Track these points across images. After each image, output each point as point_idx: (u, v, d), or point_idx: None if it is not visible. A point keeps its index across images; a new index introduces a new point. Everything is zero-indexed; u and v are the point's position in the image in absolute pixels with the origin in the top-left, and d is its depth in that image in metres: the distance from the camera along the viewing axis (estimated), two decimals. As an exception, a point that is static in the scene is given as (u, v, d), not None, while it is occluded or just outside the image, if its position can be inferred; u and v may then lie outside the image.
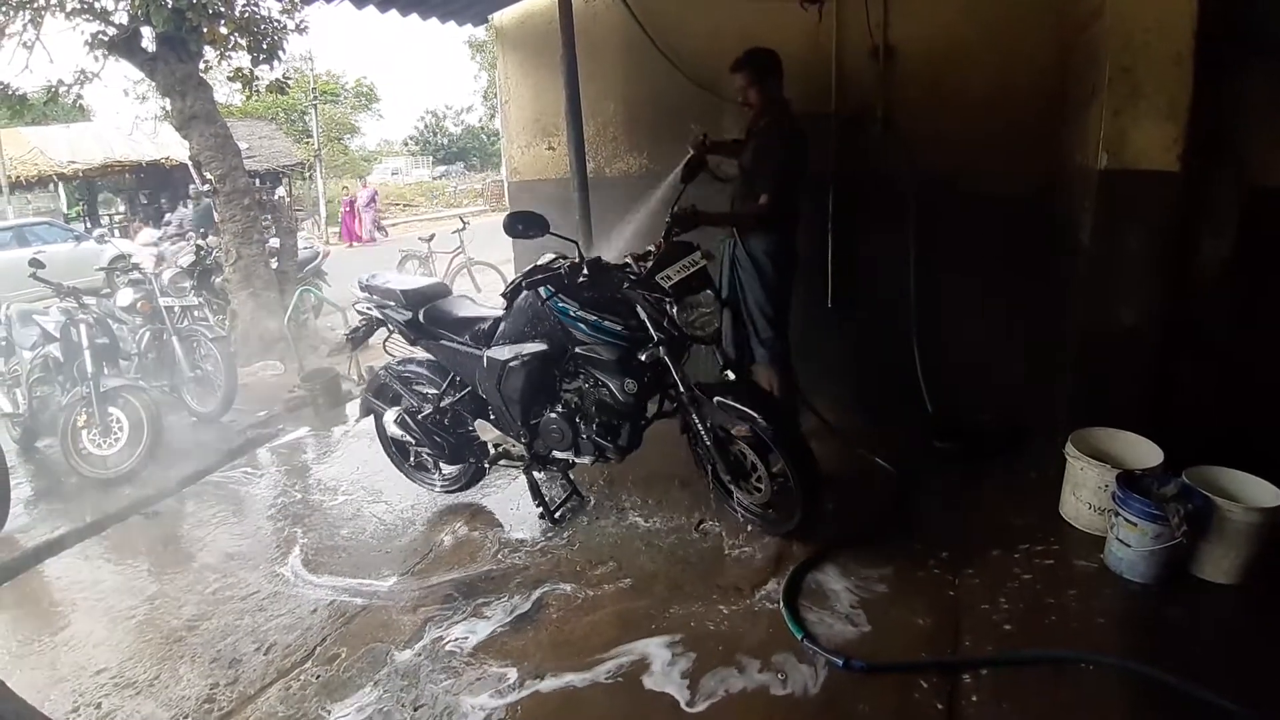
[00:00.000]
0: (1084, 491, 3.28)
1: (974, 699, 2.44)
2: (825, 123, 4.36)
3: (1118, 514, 2.97)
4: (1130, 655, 2.56)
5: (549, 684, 2.66)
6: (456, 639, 2.94)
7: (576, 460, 3.59)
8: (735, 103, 4.02)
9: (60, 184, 19.79)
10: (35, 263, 5.51)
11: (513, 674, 2.72)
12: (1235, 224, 3.23)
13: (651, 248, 3.38)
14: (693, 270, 3.23)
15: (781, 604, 2.94)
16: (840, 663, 2.61)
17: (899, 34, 4.13)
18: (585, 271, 3.23)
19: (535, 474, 3.78)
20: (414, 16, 5.30)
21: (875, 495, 3.74)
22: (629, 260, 3.38)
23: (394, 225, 24.23)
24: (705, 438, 3.32)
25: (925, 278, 4.29)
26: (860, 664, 2.60)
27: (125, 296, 5.95)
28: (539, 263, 3.42)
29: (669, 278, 3.16)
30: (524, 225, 3.22)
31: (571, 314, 3.28)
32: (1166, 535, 2.82)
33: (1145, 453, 3.25)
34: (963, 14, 4.01)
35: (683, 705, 2.52)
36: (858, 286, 4.52)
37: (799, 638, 2.76)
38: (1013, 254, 4.03)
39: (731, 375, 3.32)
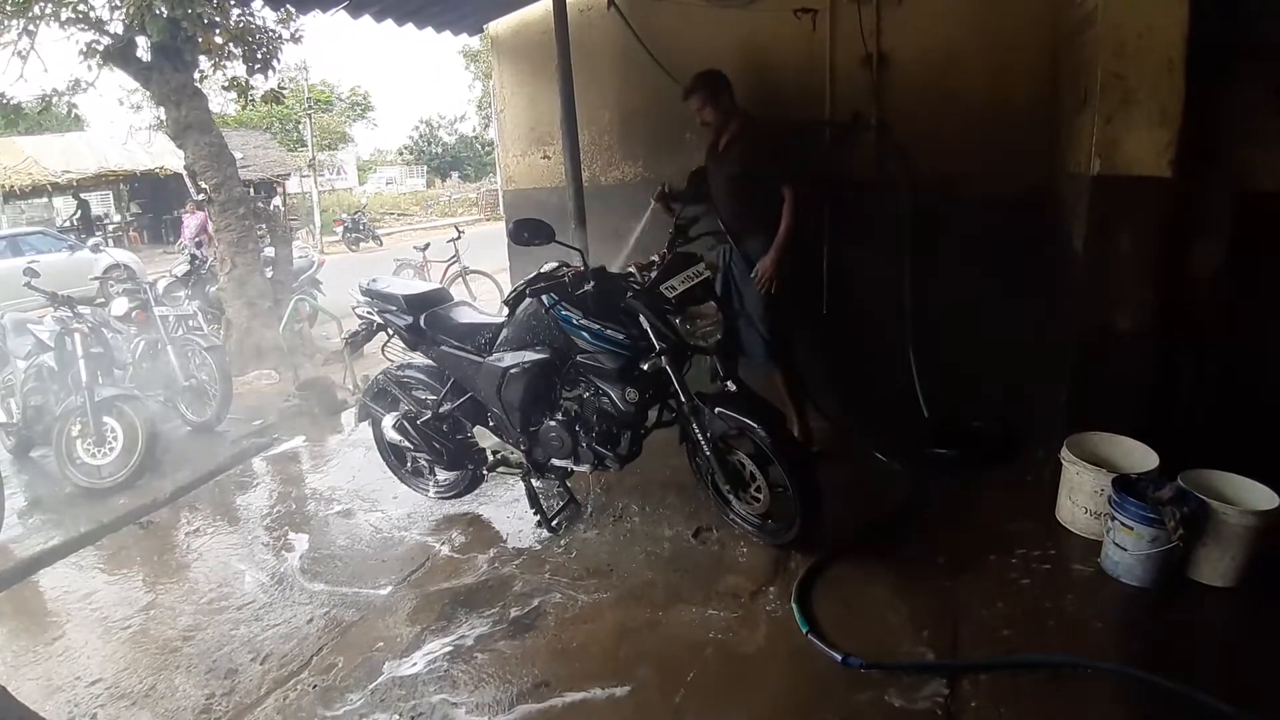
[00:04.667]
0: (1080, 496, 3.28)
1: (973, 704, 2.43)
2: (819, 130, 4.38)
3: (1114, 518, 2.97)
4: (1128, 659, 2.56)
5: (545, 694, 2.65)
6: (453, 648, 2.92)
7: (575, 468, 3.59)
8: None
9: (53, 194, 19.74)
10: (30, 272, 5.52)
11: (510, 684, 2.71)
12: (1229, 229, 3.24)
13: (655, 257, 3.39)
14: (696, 281, 3.24)
15: (793, 599, 2.97)
16: (839, 658, 2.62)
17: (892, 42, 4.16)
18: (590, 280, 3.24)
19: (533, 482, 3.78)
20: (409, 26, 5.32)
21: (882, 496, 3.76)
22: (632, 270, 3.39)
23: (389, 235, 24.24)
24: (705, 447, 3.32)
25: (920, 284, 4.31)
26: (858, 661, 2.60)
27: (120, 305, 5.94)
28: (542, 270, 3.42)
29: (673, 288, 3.17)
30: (530, 233, 3.23)
31: (574, 322, 3.28)
32: (1163, 539, 2.83)
33: (1141, 457, 3.26)
34: (955, 21, 4.03)
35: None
36: (853, 294, 4.53)
37: (804, 631, 2.79)
38: (1008, 259, 4.05)
39: (732, 385, 3.32)
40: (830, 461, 3.96)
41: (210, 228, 7.73)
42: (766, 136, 3.95)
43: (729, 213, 4.04)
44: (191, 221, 12.38)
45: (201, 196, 7.70)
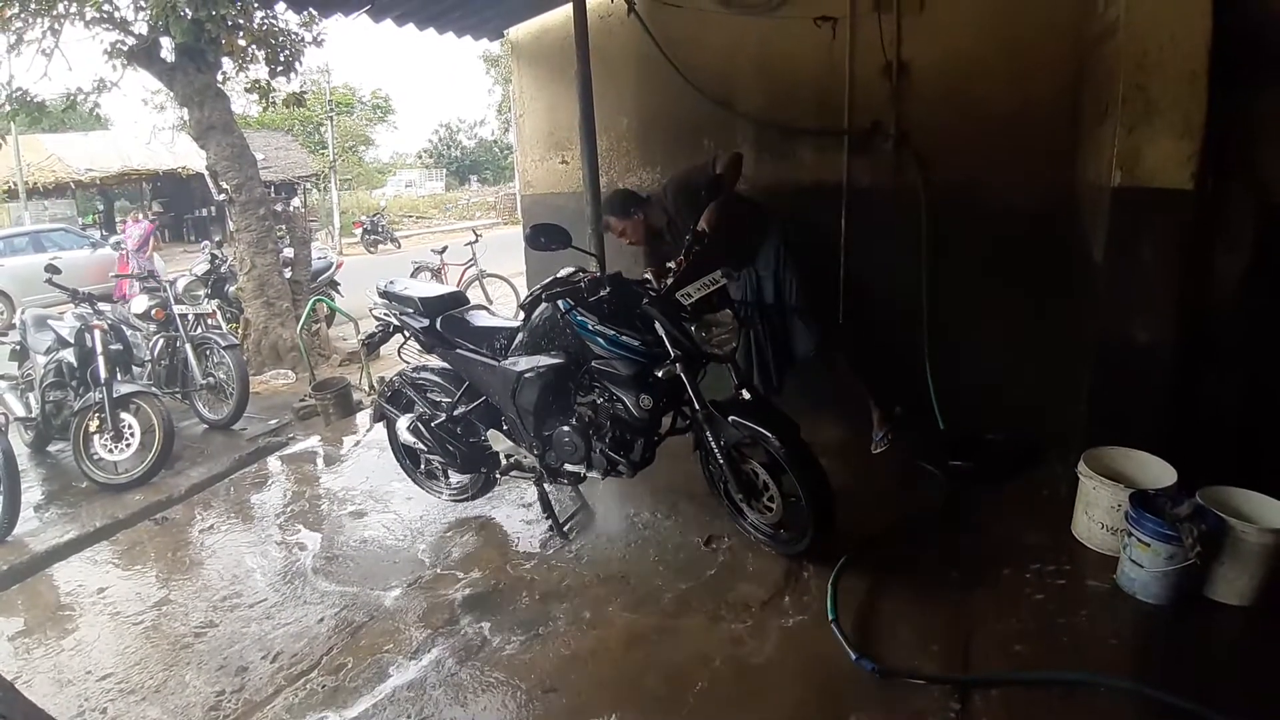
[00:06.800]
0: (1097, 511, 3.25)
1: (984, 720, 2.41)
2: (838, 139, 4.37)
3: (1131, 534, 2.93)
4: (1142, 677, 2.52)
5: (552, 701, 2.65)
6: (462, 652, 2.92)
7: (588, 474, 3.57)
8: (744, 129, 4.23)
9: (76, 191, 19.98)
10: (51, 268, 5.58)
11: (518, 689, 2.70)
12: (1251, 242, 3.20)
13: (672, 264, 3.38)
14: (712, 289, 3.23)
15: (830, 582, 3.04)
16: (854, 656, 2.64)
17: (912, 50, 4.14)
18: (606, 286, 3.24)
19: (546, 486, 3.77)
20: (430, 31, 5.35)
21: (898, 504, 3.77)
22: (649, 276, 3.39)
23: (407, 237, 24.39)
24: (718, 456, 3.31)
25: (938, 294, 4.28)
26: (871, 664, 2.61)
27: (140, 303, 6.01)
28: (559, 275, 3.42)
29: (689, 295, 3.17)
30: (546, 238, 3.26)
31: (590, 328, 3.28)
32: (1180, 556, 2.79)
33: (1159, 472, 3.22)
34: (976, 30, 4.01)
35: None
36: (869, 303, 4.51)
37: (830, 619, 2.85)
38: (1027, 270, 4.01)
39: (746, 394, 3.31)
40: (844, 469, 3.95)
41: (154, 237, 7.74)
42: (679, 191, 4.00)
43: (726, 254, 3.87)
44: (135, 230, 11.81)
45: (222, 197, 7.78)
